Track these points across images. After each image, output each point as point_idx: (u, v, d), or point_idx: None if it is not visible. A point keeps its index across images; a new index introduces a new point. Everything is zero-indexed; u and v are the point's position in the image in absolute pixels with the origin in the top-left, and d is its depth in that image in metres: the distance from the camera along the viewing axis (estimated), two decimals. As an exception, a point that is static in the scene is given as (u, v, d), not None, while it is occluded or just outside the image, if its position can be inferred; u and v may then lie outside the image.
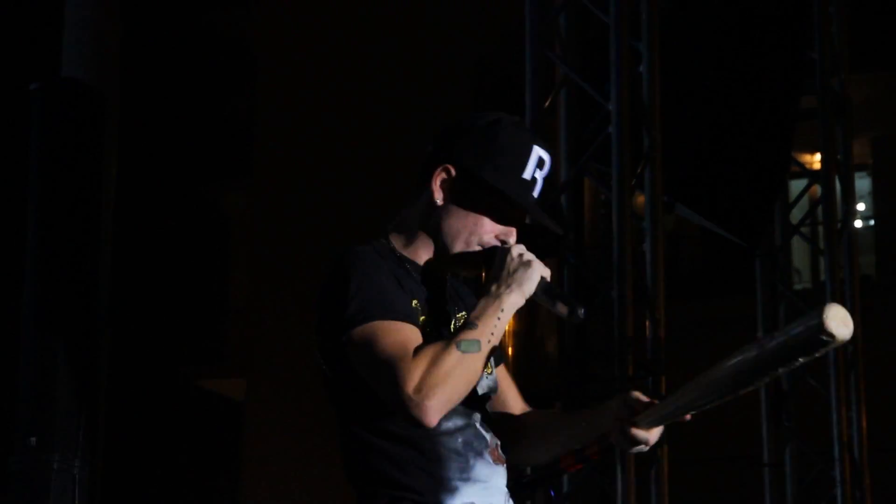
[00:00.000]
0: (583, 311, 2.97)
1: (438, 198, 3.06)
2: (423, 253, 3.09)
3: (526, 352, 6.68)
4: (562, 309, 3.02)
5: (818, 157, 11.49)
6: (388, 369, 2.83)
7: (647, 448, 3.06)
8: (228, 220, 23.30)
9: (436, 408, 2.82)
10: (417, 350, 2.86)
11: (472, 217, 3.05)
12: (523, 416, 3.29)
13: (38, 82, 6.93)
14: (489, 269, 3.01)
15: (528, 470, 5.07)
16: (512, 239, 3.08)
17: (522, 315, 6.51)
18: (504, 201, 3.05)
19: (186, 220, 22.27)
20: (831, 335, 2.63)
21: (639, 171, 6.80)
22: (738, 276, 9.51)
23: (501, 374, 3.25)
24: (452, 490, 2.95)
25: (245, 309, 22.18)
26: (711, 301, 15.41)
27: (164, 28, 21.18)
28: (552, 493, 6.69)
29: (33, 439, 6.40)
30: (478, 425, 3.05)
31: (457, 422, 2.99)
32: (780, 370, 2.84)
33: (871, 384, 8.95)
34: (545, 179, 3.11)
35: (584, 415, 3.25)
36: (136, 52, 14.88)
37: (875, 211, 18.73)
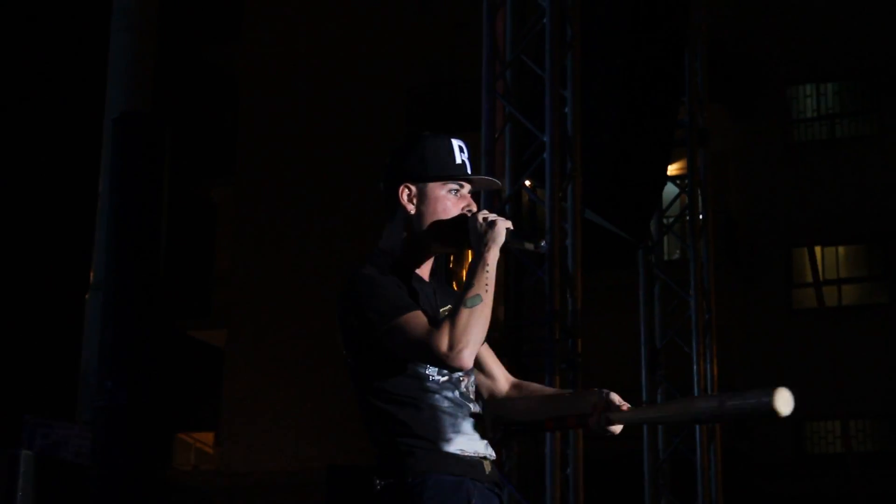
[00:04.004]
0: (544, 242, 3.04)
1: (410, 208, 3.12)
2: (410, 256, 3.14)
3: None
4: (529, 245, 3.07)
5: (675, 165, 11.70)
6: (422, 343, 2.91)
7: (611, 434, 3.15)
8: (215, 208, 23.21)
9: (466, 355, 2.90)
10: (436, 322, 2.95)
11: (438, 206, 3.11)
12: (521, 383, 3.33)
13: (116, 114, 6.98)
14: (466, 238, 3.06)
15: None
16: (473, 207, 3.13)
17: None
18: (451, 182, 3.12)
19: (183, 208, 22.19)
20: (777, 412, 2.76)
21: (564, 186, 6.97)
22: (623, 258, 9.54)
23: (486, 353, 3.30)
24: (448, 440, 3.03)
25: (226, 276, 22.15)
26: (604, 275, 15.32)
27: (171, 58, 21.03)
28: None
29: (109, 383, 6.51)
30: (460, 394, 3.11)
31: (447, 393, 3.07)
32: (729, 420, 2.94)
33: (721, 344, 9.14)
34: (470, 159, 3.15)
35: (566, 395, 3.34)
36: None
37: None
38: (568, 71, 7.05)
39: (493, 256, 3.00)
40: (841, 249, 18.95)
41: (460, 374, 3.12)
